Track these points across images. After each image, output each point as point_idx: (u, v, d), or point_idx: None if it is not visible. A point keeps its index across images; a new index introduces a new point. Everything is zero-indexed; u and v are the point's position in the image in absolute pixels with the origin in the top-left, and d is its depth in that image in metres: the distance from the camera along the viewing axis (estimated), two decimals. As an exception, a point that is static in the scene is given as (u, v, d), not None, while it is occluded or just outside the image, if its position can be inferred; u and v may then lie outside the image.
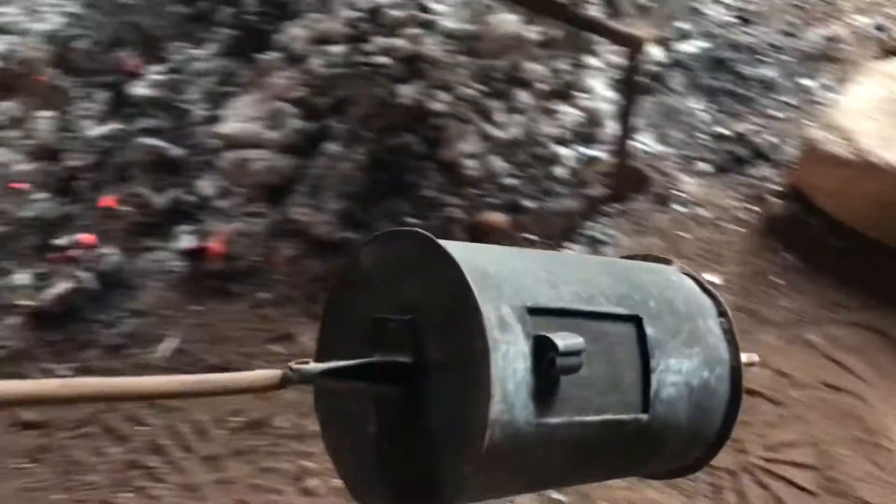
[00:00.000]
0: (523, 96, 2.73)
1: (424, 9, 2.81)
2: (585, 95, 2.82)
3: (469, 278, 0.74)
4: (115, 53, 2.85)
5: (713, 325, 0.97)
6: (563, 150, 2.71)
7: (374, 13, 2.79)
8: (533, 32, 2.80)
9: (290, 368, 0.76)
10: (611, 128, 2.74)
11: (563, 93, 2.80)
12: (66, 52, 2.82)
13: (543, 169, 2.67)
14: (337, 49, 2.72)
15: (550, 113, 2.75)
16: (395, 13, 2.78)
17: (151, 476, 2.02)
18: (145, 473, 2.03)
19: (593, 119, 2.77)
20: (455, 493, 0.77)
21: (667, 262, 1.09)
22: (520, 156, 2.66)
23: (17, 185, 2.54)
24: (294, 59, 2.73)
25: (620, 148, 2.62)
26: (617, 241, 2.59)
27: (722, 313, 1.00)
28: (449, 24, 2.78)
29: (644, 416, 0.87)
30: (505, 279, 0.79)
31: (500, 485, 0.84)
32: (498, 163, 2.61)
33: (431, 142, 2.60)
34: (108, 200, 2.53)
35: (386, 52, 2.70)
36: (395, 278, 0.83)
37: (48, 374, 2.17)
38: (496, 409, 0.72)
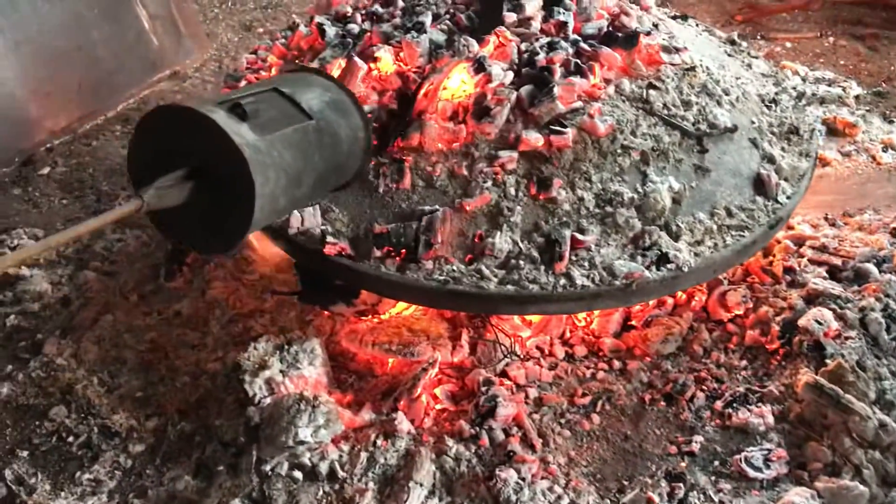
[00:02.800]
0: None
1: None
2: None
3: (184, 105, 1.59)
4: None
5: (318, 78, 1.99)
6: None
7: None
8: None
9: (141, 197, 1.46)
10: None
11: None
12: None
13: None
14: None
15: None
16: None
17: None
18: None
19: None
20: (251, 193, 1.56)
21: (310, 70, 2.10)
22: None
23: None
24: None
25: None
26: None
27: (319, 73, 2.05)
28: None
29: (311, 121, 1.78)
30: (203, 102, 1.66)
31: (275, 185, 1.63)
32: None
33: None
34: None
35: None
36: (165, 129, 1.60)
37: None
38: (237, 140, 1.53)
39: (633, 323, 2.41)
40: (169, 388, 2.40)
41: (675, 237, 2.13)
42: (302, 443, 2.04)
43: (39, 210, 3.44)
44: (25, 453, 2.25)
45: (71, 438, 2.28)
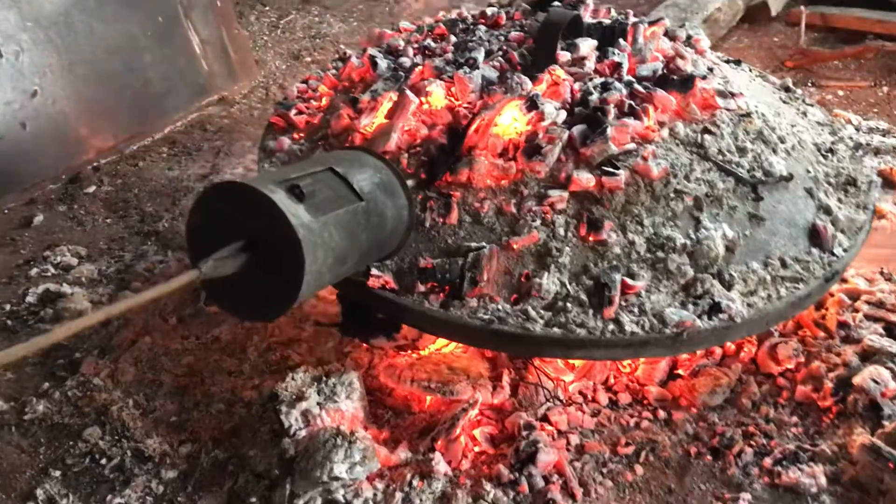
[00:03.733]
0: None
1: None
2: None
3: (245, 183, 1.63)
4: None
5: (370, 158, 2.00)
6: None
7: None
8: None
9: (199, 269, 1.54)
10: None
11: None
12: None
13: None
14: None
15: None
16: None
17: None
18: None
19: None
20: (301, 273, 1.62)
21: (362, 149, 2.13)
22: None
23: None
24: None
25: None
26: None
27: (371, 153, 2.03)
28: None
29: (361, 202, 1.83)
30: (262, 178, 1.75)
31: (323, 264, 1.68)
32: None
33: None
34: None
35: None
36: (225, 203, 1.67)
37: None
38: (294, 221, 1.60)
39: (680, 372, 2.35)
40: (203, 415, 2.38)
41: (728, 286, 2.07)
42: (337, 479, 1.99)
43: (83, 228, 3.47)
44: (58, 473, 2.24)
45: (104, 460, 2.26)
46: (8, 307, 2.95)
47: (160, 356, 2.58)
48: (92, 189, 3.75)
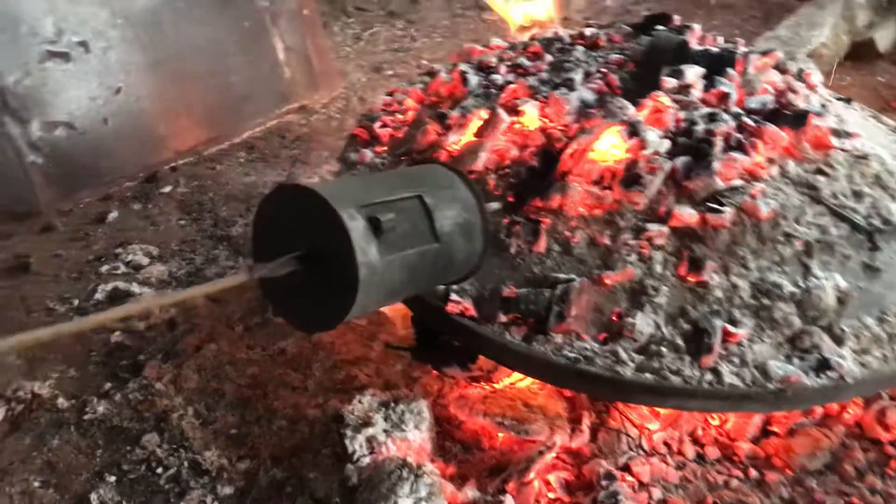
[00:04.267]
0: None
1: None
2: None
3: (326, 197, 1.50)
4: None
5: (464, 192, 1.80)
6: None
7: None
8: None
9: (252, 272, 1.49)
10: None
11: None
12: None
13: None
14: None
15: None
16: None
17: None
18: None
19: None
20: (349, 306, 1.52)
21: (433, 162, 2.09)
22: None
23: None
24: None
25: None
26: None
27: (469, 185, 1.82)
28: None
29: (436, 244, 1.68)
30: (346, 193, 1.57)
31: (373, 299, 1.59)
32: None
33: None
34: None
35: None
36: (289, 208, 1.59)
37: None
38: (360, 258, 1.49)
39: (775, 429, 2.17)
40: (265, 430, 2.29)
41: (839, 342, 1.89)
42: (400, 514, 1.88)
43: (157, 228, 3.45)
44: (113, 478, 2.17)
45: (160, 469, 2.19)
46: (76, 302, 2.92)
47: (224, 365, 2.51)
48: (168, 189, 3.73)
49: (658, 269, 1.96)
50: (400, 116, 2.66)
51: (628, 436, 2.08)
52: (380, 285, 1.58)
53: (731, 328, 1.86)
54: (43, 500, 2.12)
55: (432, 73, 2.84)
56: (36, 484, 2.16)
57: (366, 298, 1.56)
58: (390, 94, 2.83)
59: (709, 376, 1.81)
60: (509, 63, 2.66)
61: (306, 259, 1.54)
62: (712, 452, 2.13)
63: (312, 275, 1.56)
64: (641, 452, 2.08)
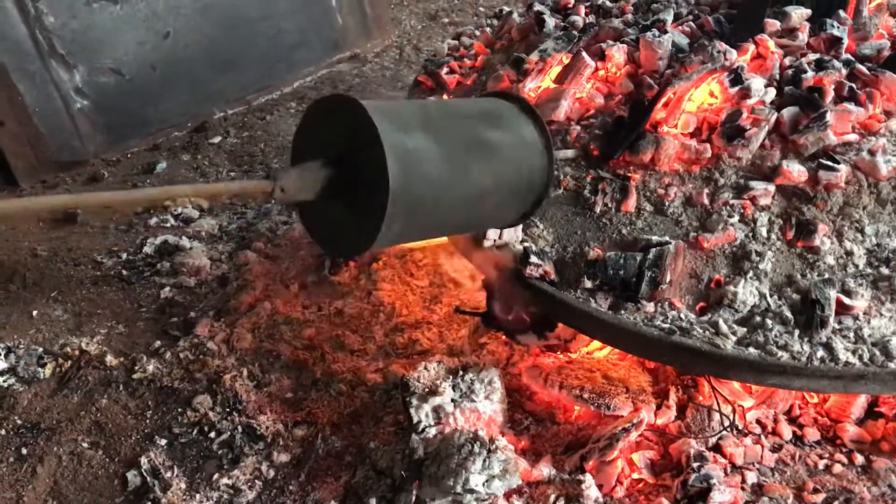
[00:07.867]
0: None
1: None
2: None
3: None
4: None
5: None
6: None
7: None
8: None
9: (275, 178, 1.42)
10: None
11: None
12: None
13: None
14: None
15: None
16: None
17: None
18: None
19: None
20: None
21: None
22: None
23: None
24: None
25: None
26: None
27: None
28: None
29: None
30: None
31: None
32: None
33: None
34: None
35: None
36: (330, 116, 1.48)
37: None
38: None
39: (882, 410, 1.97)
40: (322, 395, 2.15)
41: (968, 318, 1.69)
42: (472, 491, 1.73)
43: (206, 179, 3.32)
44: (164, 442, 2.06)
45: (213, 434, 2.07)
46: (124, 255, 2.81)
47: (279, 325, 2.38)
48: (217, 140, 3.59)
49: (762, 232, 1.77)
50: (468, 61, 2.46)
51: (724, 415, 1.90)
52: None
53: (845, 299, 1.66)
54: (92, 462, 2.01)
55: (501, 15, 2.63)
56: (84, 444, 2.06)
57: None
58: (457, 37, 2.63)
59: (821, 353, 1.62)
60: (588, 3, 2.44)
61: (338, 166, 1.45)
62: (811, 434, 1.94)
63: (345, 191, 1.46)
64: (734, 432, 1.90)
